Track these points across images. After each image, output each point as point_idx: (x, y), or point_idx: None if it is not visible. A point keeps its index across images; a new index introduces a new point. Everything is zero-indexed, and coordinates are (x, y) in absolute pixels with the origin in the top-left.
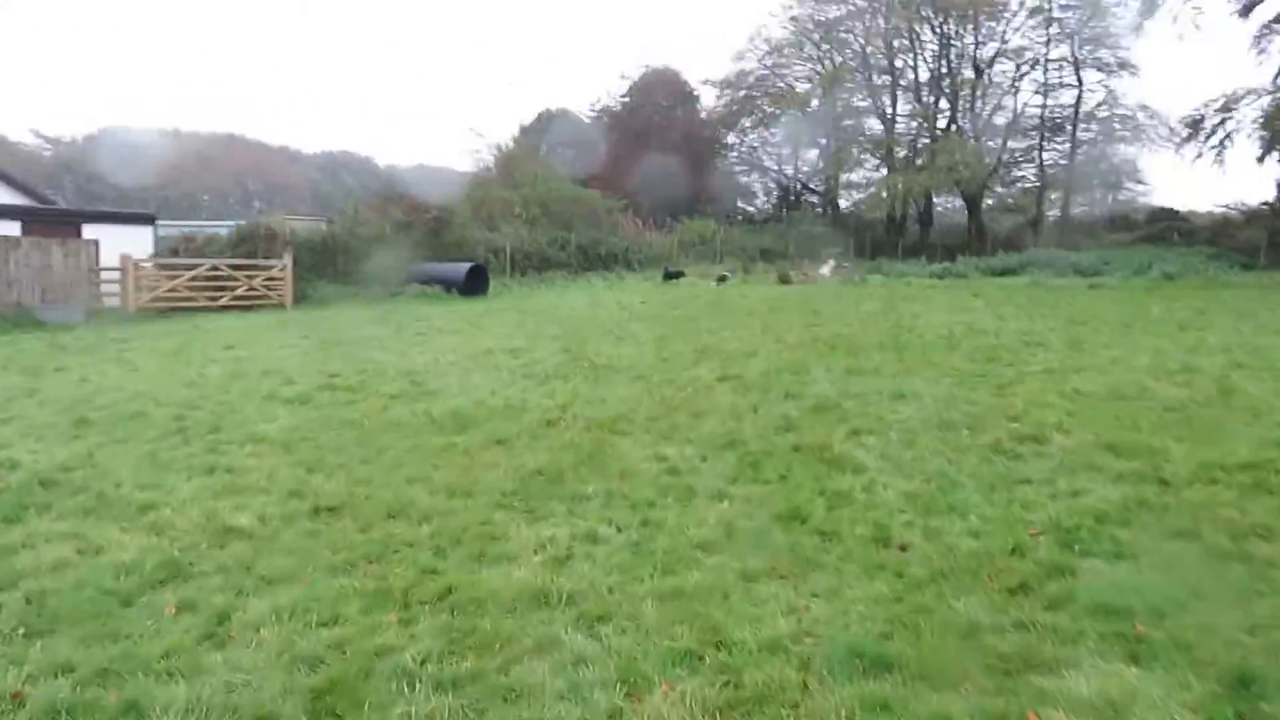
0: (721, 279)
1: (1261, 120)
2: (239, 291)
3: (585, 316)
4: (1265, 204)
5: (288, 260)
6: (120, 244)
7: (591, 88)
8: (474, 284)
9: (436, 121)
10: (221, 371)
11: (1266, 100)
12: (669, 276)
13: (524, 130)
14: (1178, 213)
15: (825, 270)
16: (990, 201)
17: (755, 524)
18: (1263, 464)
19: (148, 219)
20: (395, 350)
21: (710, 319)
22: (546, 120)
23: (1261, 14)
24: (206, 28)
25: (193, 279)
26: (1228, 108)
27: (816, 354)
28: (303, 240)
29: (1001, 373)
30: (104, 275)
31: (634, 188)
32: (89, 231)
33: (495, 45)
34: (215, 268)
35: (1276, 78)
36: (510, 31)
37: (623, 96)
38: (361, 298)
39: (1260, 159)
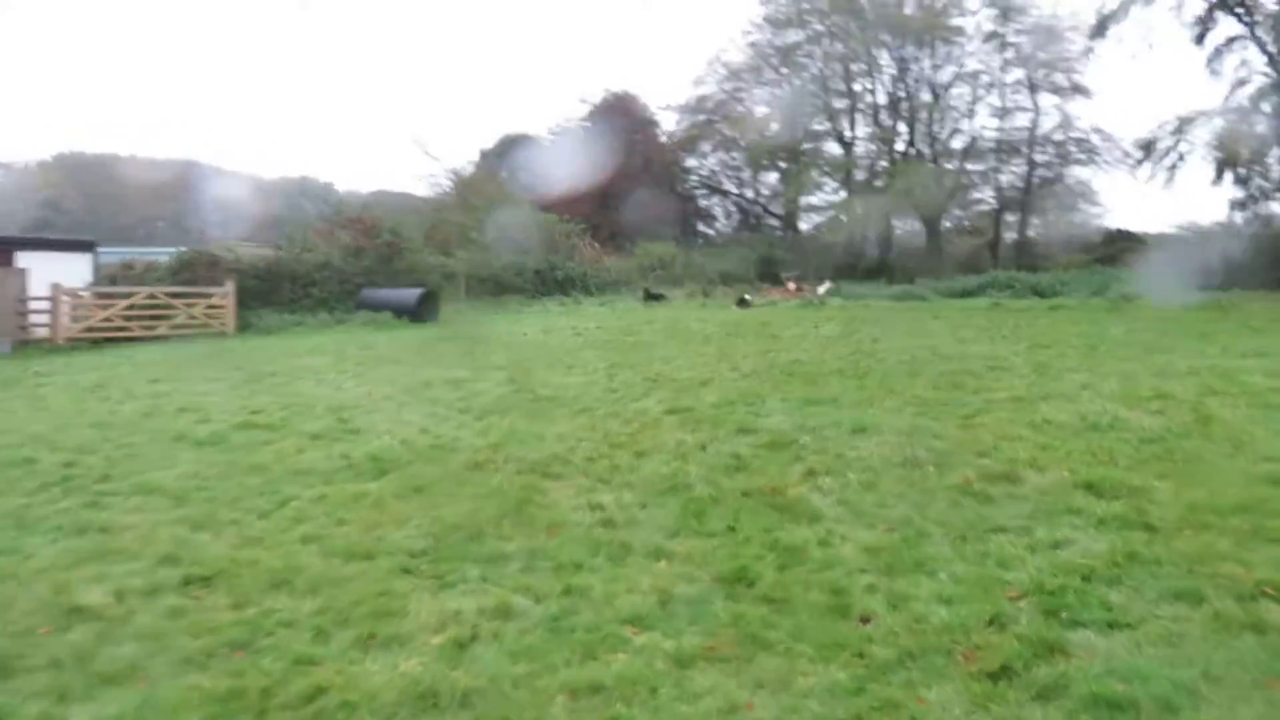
0: (742, 301)
1: (1215, 143)
2: (177, 320)
3: (537, 343)
4: (1217, 225)
5: (229, 288)
6: (57, 272)
7: (552, 112)
8: (425, 310)
9: (396, 148)
10: (135, 409)
11: (1219, 122)
12: (650, 298)
13: (484, 155)
14: (1133, 234)
15: (821, 290)
16: (948, 224)
17: (695, 590)
18: (1255, 505)
19: (87, 246)
20: (330, 383)
21: (665, 346)
22: (507, 144)
23: (1214, 38)
24: (166, 53)
25: (128, 308)
26: (1180, 129)
27: (773, 382)
28: (246, 267)
29: (967, 401)
30: (32, 305)
31: (593, 212)
32: (23, 259)
33: (457, 70)
34: (153, 296)
35: (1228, 99)
36: (472, 56)
37: (583, 120)
38: (307, 325)
39: (1215, 180)
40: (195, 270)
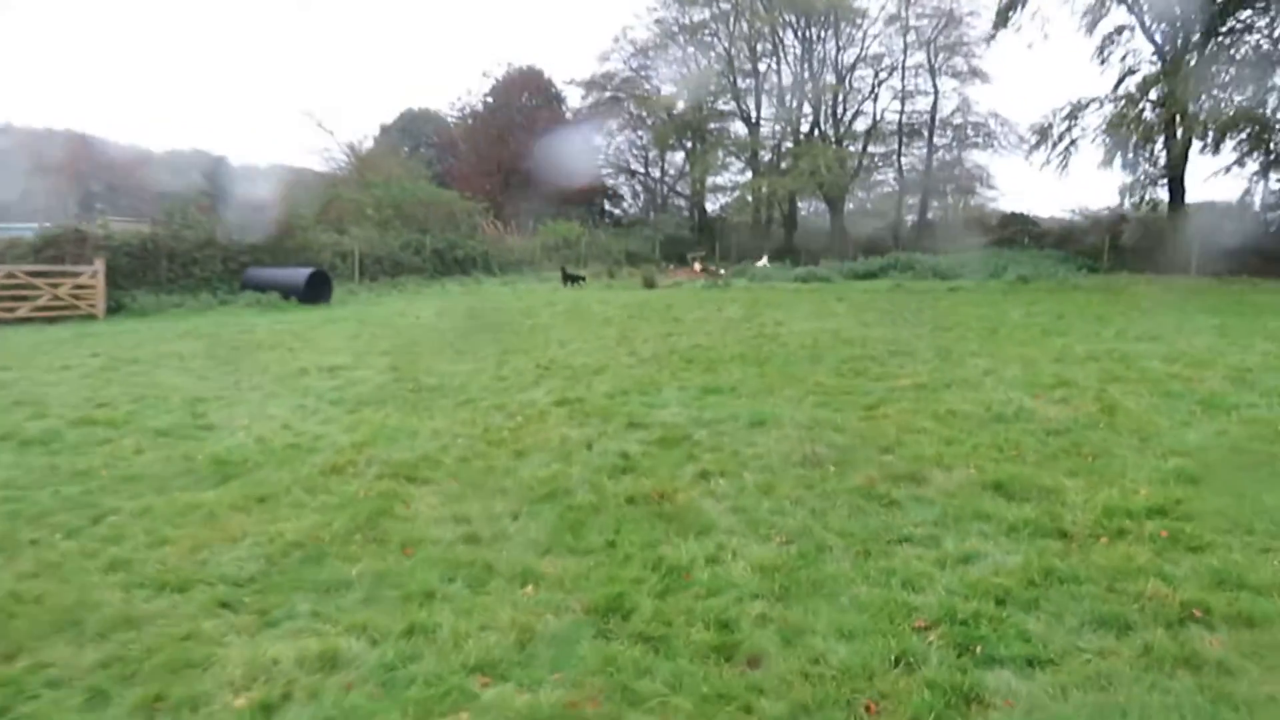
0: (572, 279)
1: (1104, 128)
2: (41, 301)
3: (429, 327)
4: (1107, 209)
5: (99, 267)
6: None
7: (455, 86)
8: (316, 291)
9: (293, 121)
10: None
11: (1109, 108)
12: (569, 279)
13: (385, 130)
14: (1028, 217)
15: (760, 264)
16: (851, 205)
17: (562, 624)
18: (1170, 507)
19: None
20: (195, 371)
21: (564, 329)
22: (408, 119)
23: (1104, 26)
24: (48, 18)
25: None
26: (1073, 115)
27: (671, 369)
28: (119, 244)
29: (869, 389)
30: None
31: (496, 189)
32: None
33: (358, 40)
34: (11, 275)
35: (1116, 87)
36: (373, 26)
37: (486, 96)
38: (187, 307)
39: (1105, 165)
40: (61, 248)
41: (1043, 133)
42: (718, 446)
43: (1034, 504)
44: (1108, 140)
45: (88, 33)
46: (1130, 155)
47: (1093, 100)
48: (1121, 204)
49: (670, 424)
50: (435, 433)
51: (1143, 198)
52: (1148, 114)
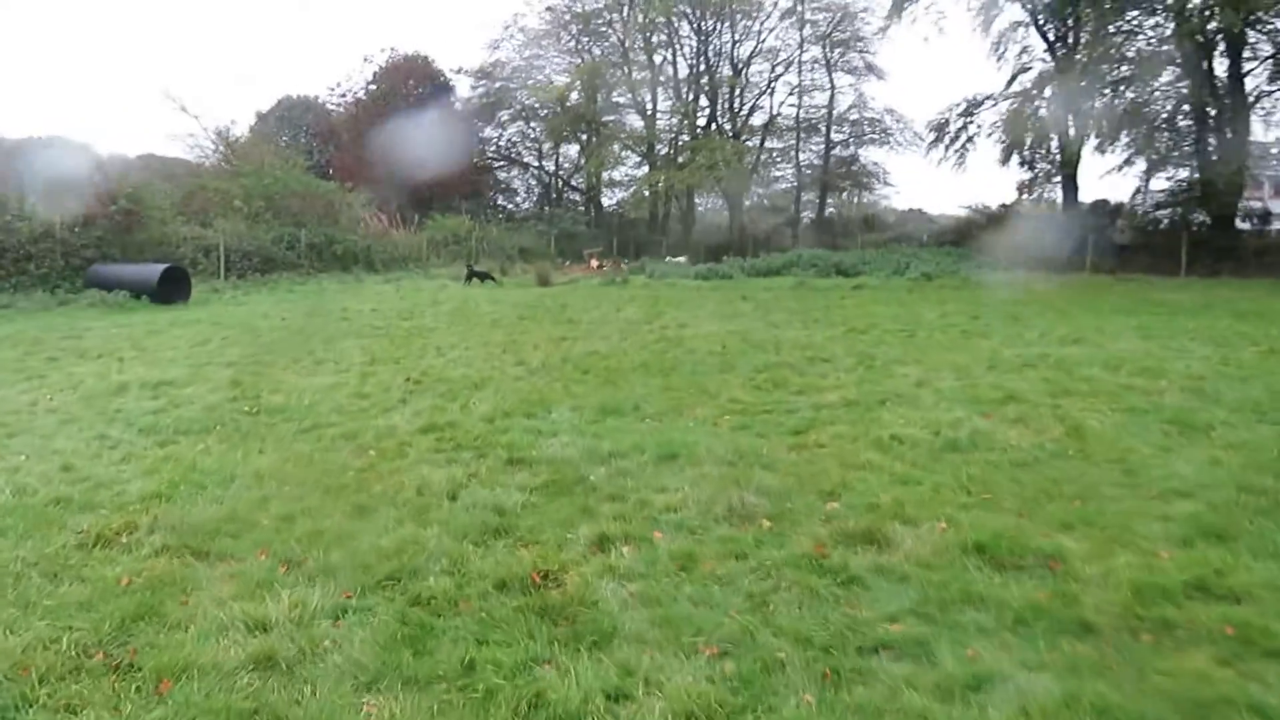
0: (475, 276)
1: (1000, 125)
2: None
3: (293, 330)
4: (1004, 205)
5: None
6: None
7: (338, 73)
8: (171, 290)
9: (163, 108)
10: None
11: (1005, 105)
12: (473, 276)
13: (261, 117)
14: (926, 213)
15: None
16: (749, 201)
17: None
18: (1210, 580)
19: None
20: None
21: (446, 332)
22: (287, 107)
23: (1000, 23)
24: None
25: None
26: (969, 112)
27: (564, 382)
28: None
29: (793, 406)
30: None
31: (381, 181)
32: None
33: (235, 22)
34: None
35: (1010, 83)
36: (251, 9)
37: (370, 83)
38: (16, 309)
39: (1002, 162)
40: None
41: (939, 129)
42: (620, 493)
43: (1035, 578)
44: (1004, 137)
45: None
46: (1027, 151)
47: (988, 97)
48: (1020, 200)
49: (560, 459)
50: (257, 476)
51: (1040, 195)
52: (1043, 111)
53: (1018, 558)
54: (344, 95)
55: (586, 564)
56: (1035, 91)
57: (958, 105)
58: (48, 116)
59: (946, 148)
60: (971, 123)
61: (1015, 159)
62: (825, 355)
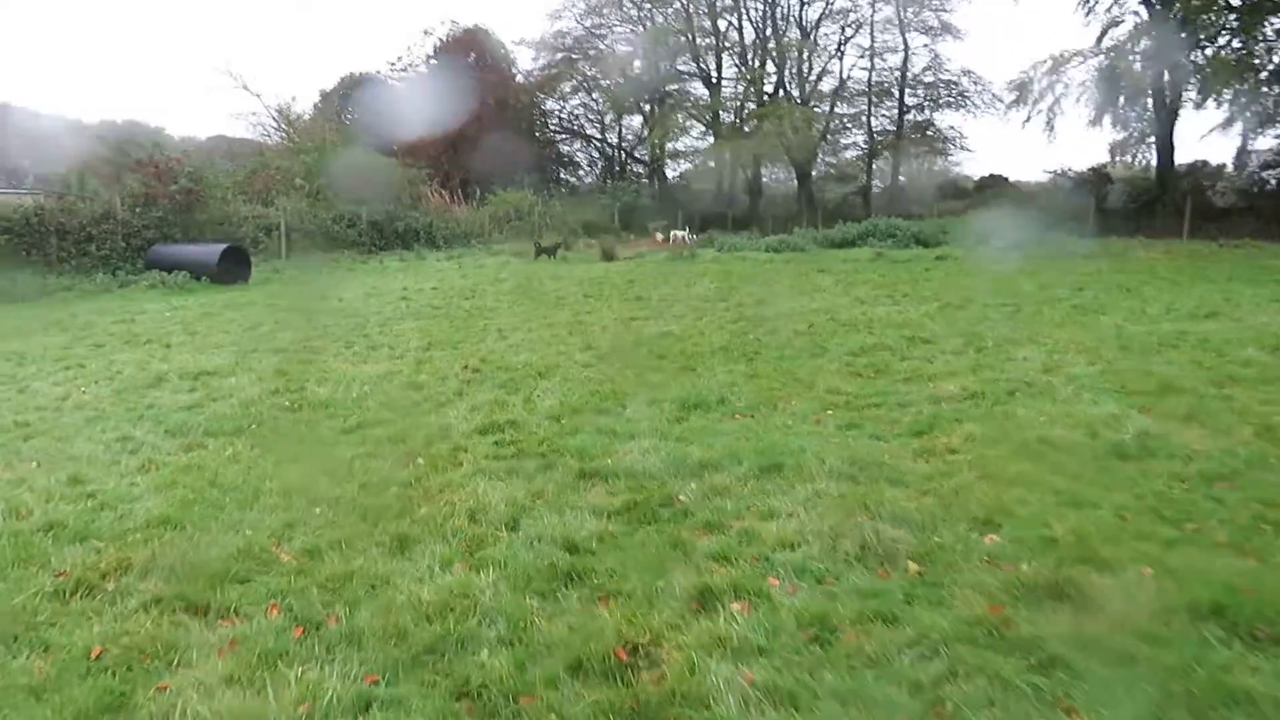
0: (548, 251)
1: (1090, 84)
2: None
3: (351, 311)
4: (1092, 169)
5: None
6: None
7: (396, 47)
8: (233, 270)
9: (236, 92)
10: None
11: (1095, 62)
12: (543, 252)
13: (325, 96)
14: (1007, 179)
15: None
16: (817, 171)
17: None
18: None
19: None
20: (18, 380)
21: (509, 312)
22: (349, 84)
23: None
24: None
25: None
26: (1055, 70)
27: (637, 370)
28: None
29: (905, 397)
30: None
31: (442, 156)
32: None
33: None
34: None
35: (1100, 38)
36: None
37: (430, 57)
38: (77, 290)
39: (1093, 122)
40: None
41: (1022, 89)
42: (719, 520)
43: None
44: (1096, 96)
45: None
46: (1121, 110)
47: (1076, 54)
48: (1112, 163)
49: (641, 471)
50: (285, 494)
51: (1134, 156)
52: (1138, 67)
53: (1271, 625)
54: (404, 70)
55: (686, 630)
56: (1129, 46)
57: (1042, 63)
58: (125, 102)
59: (1030, 109)
60: (1058, 82)
61: (1108, 119)
62: (925, 335)
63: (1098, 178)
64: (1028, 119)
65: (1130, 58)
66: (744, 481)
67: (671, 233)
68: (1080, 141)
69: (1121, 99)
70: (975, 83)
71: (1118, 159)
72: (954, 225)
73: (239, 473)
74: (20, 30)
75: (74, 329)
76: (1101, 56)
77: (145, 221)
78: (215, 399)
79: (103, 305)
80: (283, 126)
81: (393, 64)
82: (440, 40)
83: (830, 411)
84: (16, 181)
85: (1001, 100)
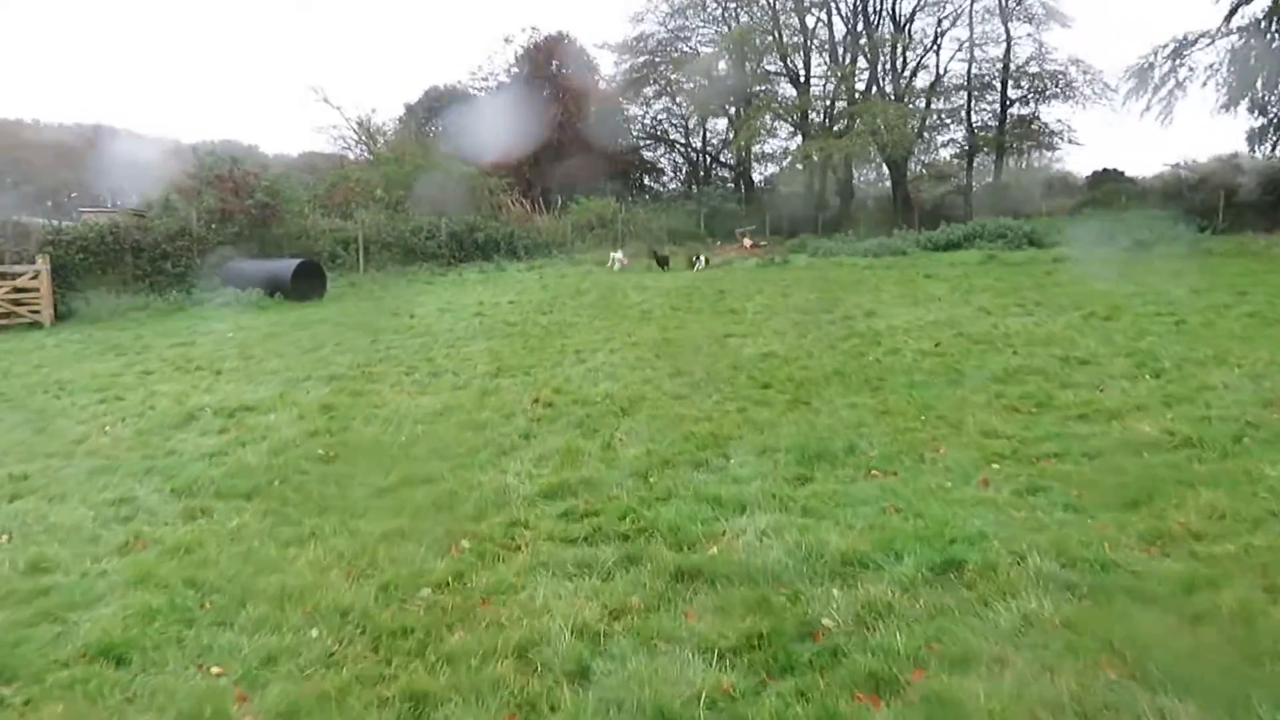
0: (662, 261)
1: (1216, 67)
2: None
3: (421, 329)
4: (1217, 160)
5: (40, 266)
6: None
7: (478, 57)
8: (308, 285)
9: (320, 106)
10: None
11: (1226, 43)
12: (661, 263)
13: (409, 109)
14: (1122, 174)
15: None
16: (913, 169)
17: None
18: None
19: None
20: (51, 413)
21: (588, 329)
22: (434, 96)
23: None
24: (74, 12)
25: None
26: (1178, 54)
27: (739, 403)
28: (72, 238)
29: (1091, 445)
30: None
31: (525, 165)
32: None
33: (380, 21)
34: None
35: (1229, 17)
36: (395, 6)
37: (511, 65)
38: (151, 309)
39: (1226, 108)
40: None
41: (1141, 75)
42: (889, 675)
43: None
44: (1229, 80)
45: (109, 20)
46: (1260, 95)
47: (1202, 35)
48: (1251, 152)
49: (760, 571)
50: (280, 599)
51: (1275, 145)
52: (1276, 45)
53: None
54: (486, 79)
55: None
56: (1267, 24)
57: (1164, 47)
58: (223, 122)
59: (1150, 97)
60: (1181, 66)
61: (1244, 104)
62: (1080, 353)
63: (1227, 169)
64: (1146, 108)
65: (1269, 36)
66: (910, 591)
67: (745, 240)
68: (1202, 131)
69: (1260, 82)
70: (1084, 72)
71: (1257, 149)
72: (1067, 224)
73: (234, 561)
74: (124, 56)
75: (131, 353)
76: (1235, 36)
77: (221, 237)
78: (245, 443)
79: (171, 325)
80: (363, 139)
81: (474, 74)
82: (521, 48)
83: (996, 466)
84: (103, 203)
85: (1114, 90)
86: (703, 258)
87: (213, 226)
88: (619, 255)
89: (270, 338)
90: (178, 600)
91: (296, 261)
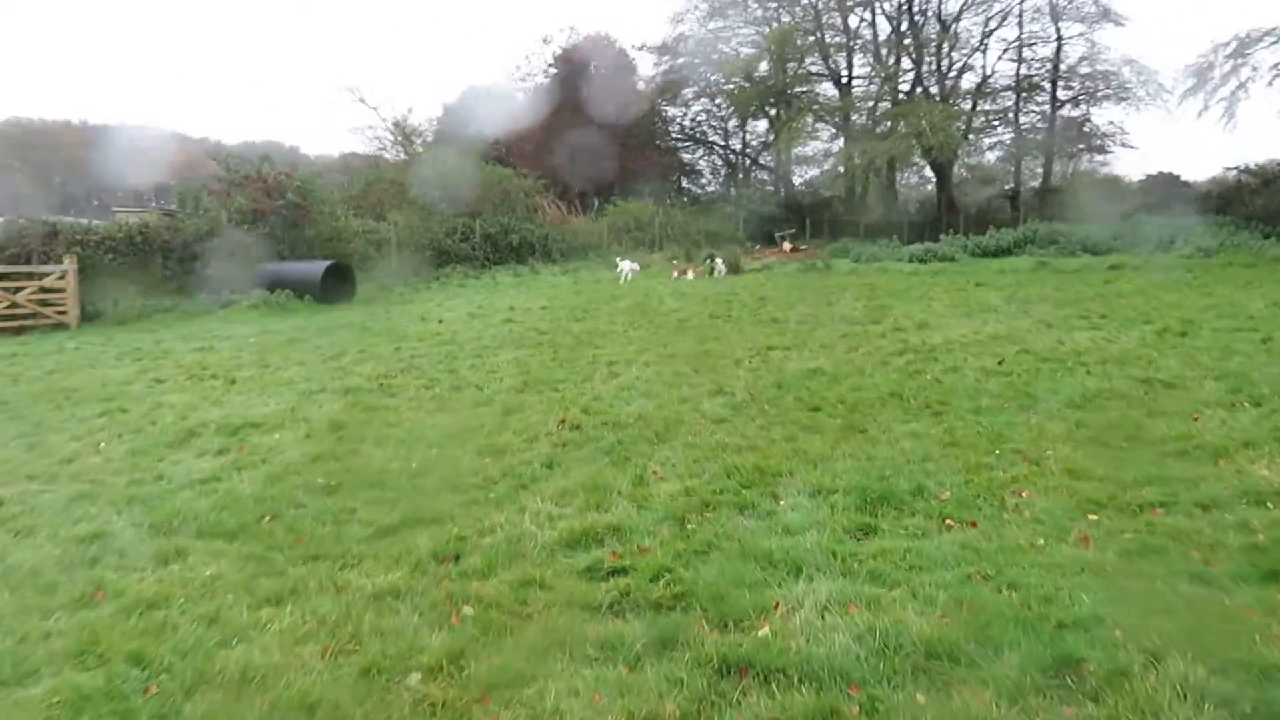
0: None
1: None
2: None
3: (447, 338)
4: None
5: (67, 266)
6: None
7: (517, 57)
8: (336, 288)
9: (356, 106)
10: None
11: None
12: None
13: (448, 109)
14: (1178, 178)
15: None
16: (959, 174)
17: None
18: None
19: None
20: (48, 426)
21: (623, 338)
22: (472, 97)
23: None
24: (120, 13)
25: None
26: (1240, 53)
27: (785, 427)
28: (101, 239)
29: (1201, 490)
30: None
31: (561, 166)
32: None
33: (420, 21)
34: None
35: None
36: (434, 6)
37: (550, 65)
38: (179, 311)
39: None
40: (27, 244)
41: (1200, 75)
42: None
43: None
44: None
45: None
46: None
47: (1267, 33)
48: None
49: (823, 667)
50: (244, 685)
51: None
52: None
53: None
54: (524, 79)
55: None
56: None
57: (1224, 45)
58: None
59: (1209, 97)
60: (1244, 64)
61: None
62: (1162, 375)
63: None
64: (1204, 108)
65: None
66: (1019, 702)
67: (785, 244)
68: (1263, 134)
69: None
70: (1138, 73)
71: None
72: (1126, 230)
73: (196, 626)
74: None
75: (149, 358)
76: None
77: (252, 238)
78: (242, 467)
79: (195, 329)
80: (399, 139)
81: (512, 74)
82: (560, 49)
83: (1094, 517)
84: (147, 202)
85: (1169, 91)
86: (719, 262)
87: (244, 227)
88: (629, 265)
89: (292, 343)
90: (118, 683)
91: (326, 264)
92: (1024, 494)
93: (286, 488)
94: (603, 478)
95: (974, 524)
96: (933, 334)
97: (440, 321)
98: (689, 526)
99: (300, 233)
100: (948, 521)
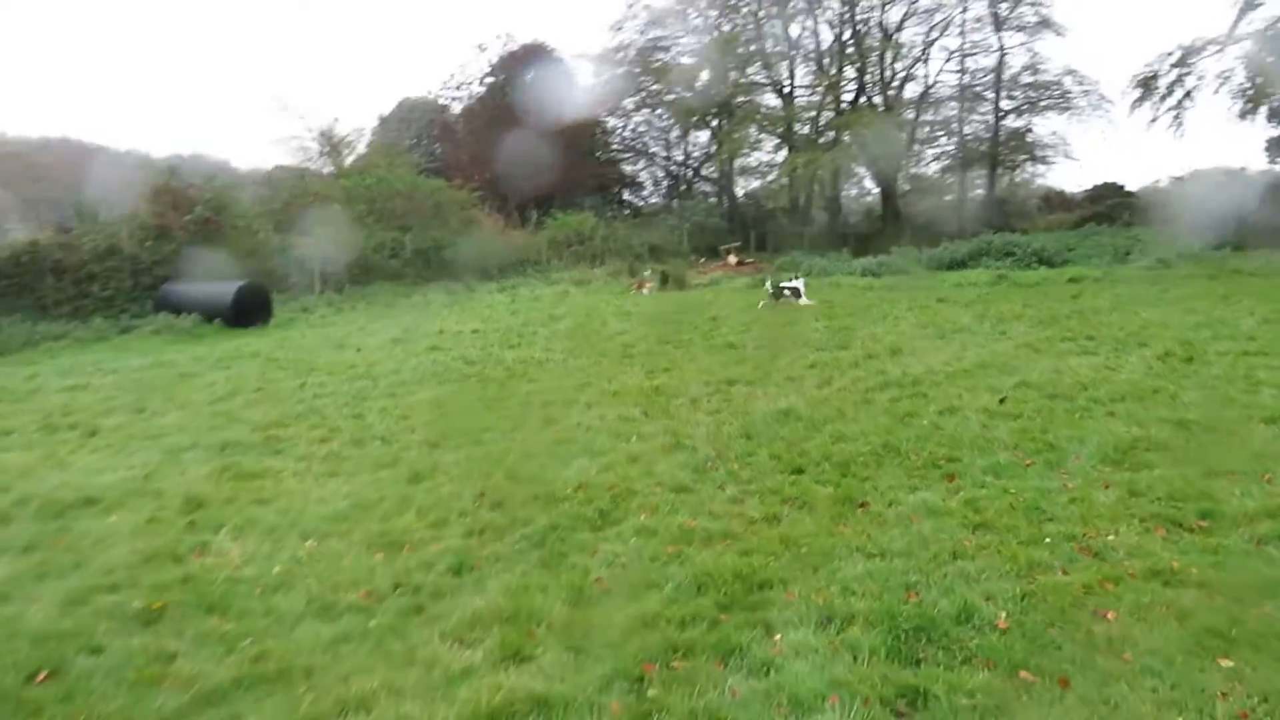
0: (781, 293)
1: (1227, 75)
2: None
3: (362, 370)
4: (1225, 170)
5: None
6: None
7: (453, 67)
8: (252, 310)
9: (282, 115)
10: None
11: (1236, 50)
12: (779, 295)
13: (383, 121)
14: (1123, 188)
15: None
16: (904, 185)
17: None
18: None
19: None
20: None
21: (559, 370)
22: (407, 109)
23: None
24: (33, 23)
25: None
26: (1184, 62)
27: (767, 508)
28: None
29: None
30: None
31: (498, 178)
32: None
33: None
34: None
35: (1235, 24)
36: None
37: (486, 75)
38: (70, 338)
39: (1243, 115)
40: None
41: (1146, 84)
42: None
43: None
44: (1248, 87)
45: (75, 31)
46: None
47: (1210, 43)
48: (1272, 161)
49: None
50: None
51: None
52: None
53: None
54: (459, 89)
55: None
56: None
57: (1169, 54)
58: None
59: (1158, 107)
60: (1188, 74)
61: (1263, 111)
62: (1194, 415)
63: (1235, 182)
64: (1154, 119)
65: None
66: None
67: (730, 257)
68: (1204, 143)
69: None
70: (1080, 83)
71: (1278, 159)
72: (1077, 241)
73: None
74: (93, 67)
75: (7, 400)
76: (1249, 42)
77: (157, 257)
78: (44, 575)
79: (82, 360)
80: (326, 150)
81: (446, 83)
82: (496, 57)
83: (1228, 662)
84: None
85: (1110, 102)
86: (646, 278)
87: (147, 245)
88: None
89: (184, 379)
90: None
91: (238, 284)
92: (1110, 616)
93: (90, 613)
94: (528, 596)
95: (1064, 680)
96: (910, 361)
97: (358, 350)
98: (649, 694)
99: (213, 251)
100: (1020, 674)
